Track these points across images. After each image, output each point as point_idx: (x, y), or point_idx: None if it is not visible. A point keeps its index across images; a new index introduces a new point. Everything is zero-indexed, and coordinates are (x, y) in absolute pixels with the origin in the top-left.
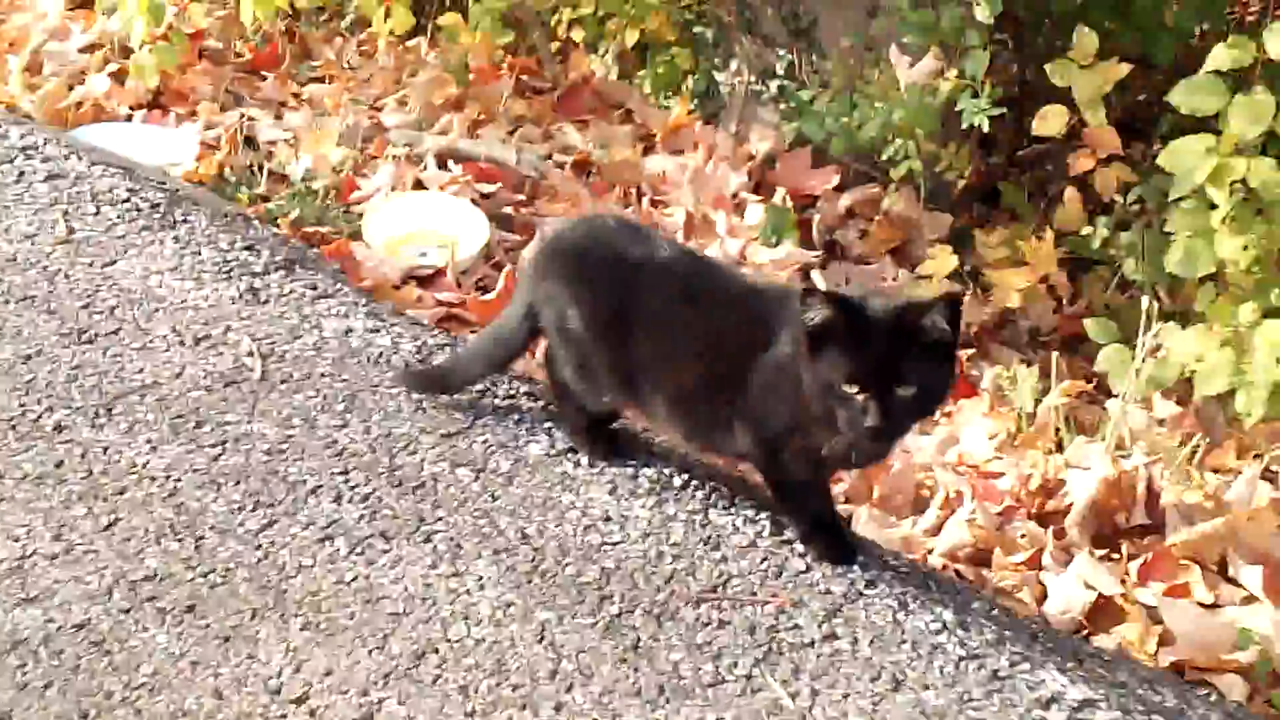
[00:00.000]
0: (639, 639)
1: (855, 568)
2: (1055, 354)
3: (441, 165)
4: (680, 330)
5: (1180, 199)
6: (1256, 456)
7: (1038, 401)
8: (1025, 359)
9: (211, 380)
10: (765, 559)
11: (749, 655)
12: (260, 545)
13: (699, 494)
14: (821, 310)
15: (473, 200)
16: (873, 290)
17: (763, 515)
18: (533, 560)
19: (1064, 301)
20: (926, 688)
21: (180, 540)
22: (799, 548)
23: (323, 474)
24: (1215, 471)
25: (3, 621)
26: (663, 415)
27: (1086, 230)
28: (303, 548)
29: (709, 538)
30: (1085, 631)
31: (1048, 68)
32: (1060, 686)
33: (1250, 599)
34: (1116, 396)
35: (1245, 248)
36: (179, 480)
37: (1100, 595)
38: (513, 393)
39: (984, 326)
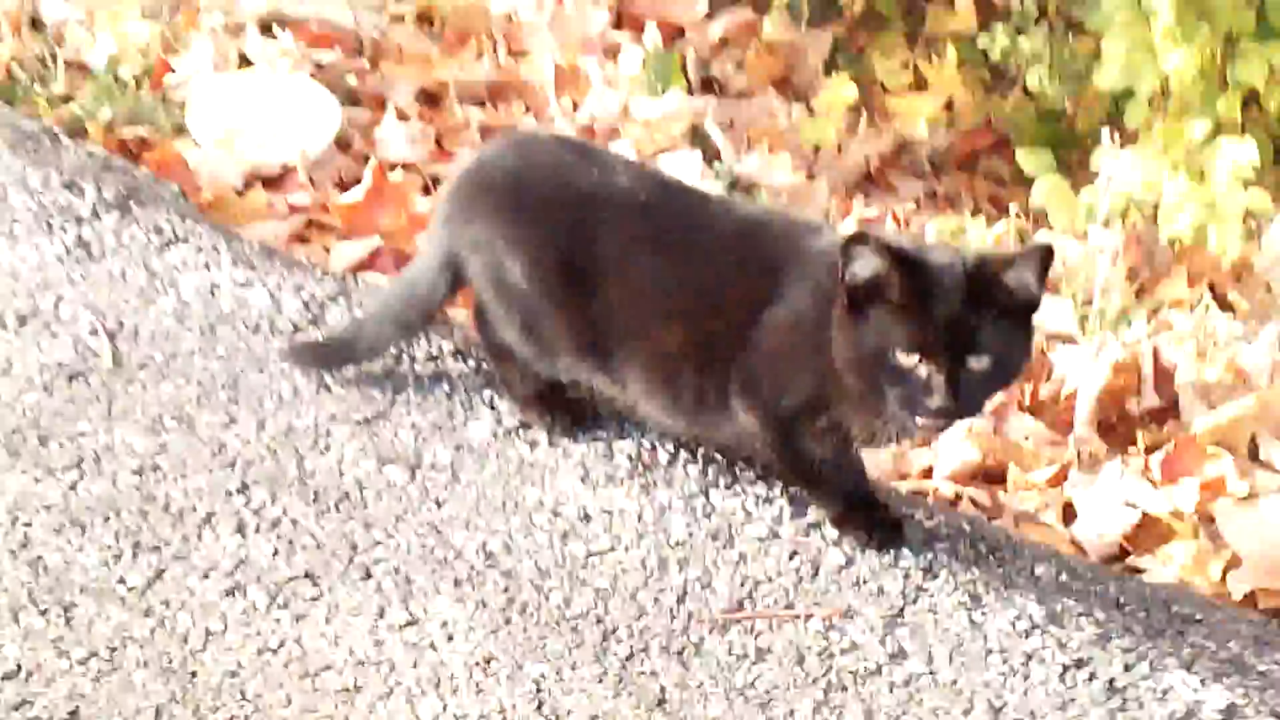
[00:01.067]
0: (663, 690)
1: (905, 551)
2: (1014, 208)
3: (265, 32)
4: (656, 278)
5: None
6: (1211, 287)
7: None
8: (930, 190)
9: (49, 375)
10: (794, 553)
11: (805, 697)
12: (150, 609)
13: (693, 470)
14: (871, 260)
15: (310, 74)
16: (931, 243)
17: (776, 490)
18: (506, 590)
19: (955, 117)
20: (1034, 715)
21: (44, 613)
22: (831, 533)
23: (215, 494)
24: (1173, 306)
25: None
26: (638, 387)
27: (982, 39)
28: (207, 606)
29: (718, 531)
30: (1128, 557)
31: None
32: (1192, 693)
33: None
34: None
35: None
36: (29, 524)
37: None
38: (435, 353)
39: (883, 157)
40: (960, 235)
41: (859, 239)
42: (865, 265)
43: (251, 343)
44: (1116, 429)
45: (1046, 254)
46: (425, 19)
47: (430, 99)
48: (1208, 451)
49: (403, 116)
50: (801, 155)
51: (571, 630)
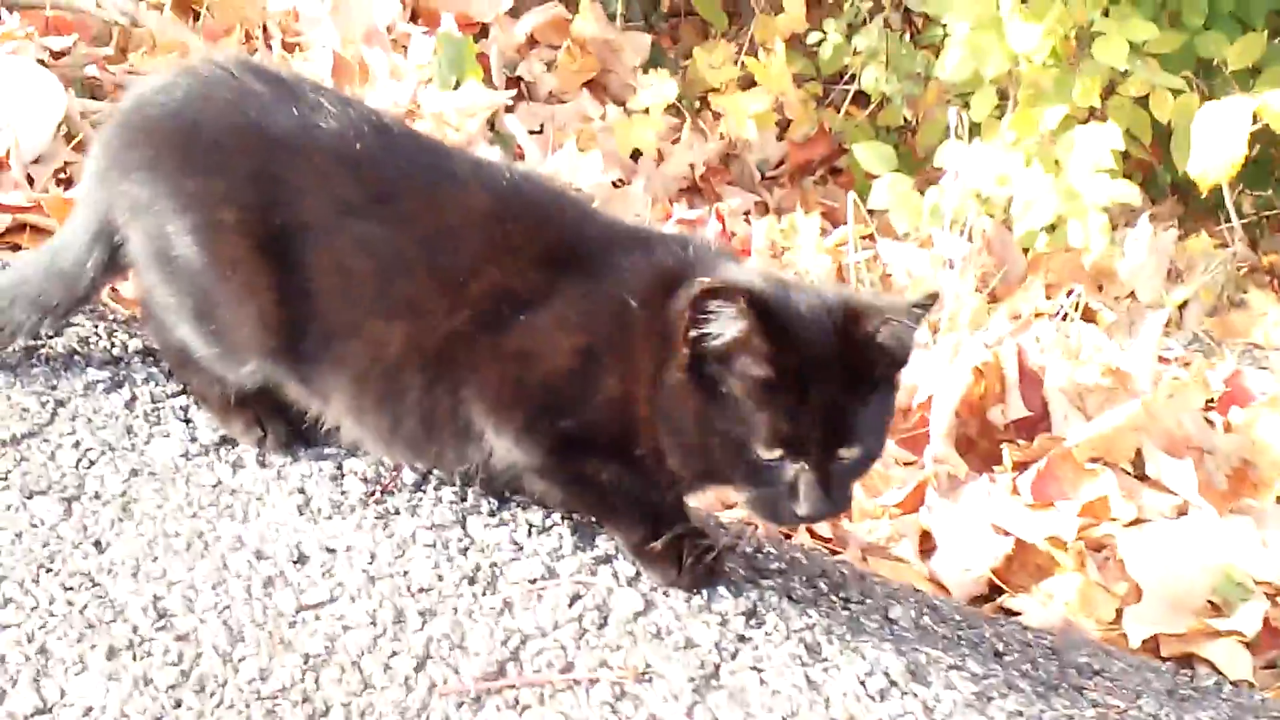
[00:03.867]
0: None
1: (723, 590)
2: (852, 195)
3: None
4: (374, 255)
5: None
6: (1069, 293)
7: None
8: (761, 200)
9: None
10: (575, 597)
11: None
12: None
13: (447, 494)
14: (734, 322)
15: (40, 61)
16: (784, 279)
17: (556, 516)
18: (179, 660)
19: (788, 126)
20: None
21: None
22: (628, 568)
23: None
24: (1036, 317)
25: None
26: (344, 402)
27: (813, 37)
28: None
29: (476, 572)
30: (1000, 596)
31: None
32: None
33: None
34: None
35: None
36: None
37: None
38: (117, 352)
39: (710, 165)
40: (792, 236)
41: (720, 293)
42: (726, 327)
43: None
44: (979, 444)
45: (930, 303)
46: (186, 7)
47: None
48: (1086, 468)
49: None
50: (619, 162)
51: (267, 713)
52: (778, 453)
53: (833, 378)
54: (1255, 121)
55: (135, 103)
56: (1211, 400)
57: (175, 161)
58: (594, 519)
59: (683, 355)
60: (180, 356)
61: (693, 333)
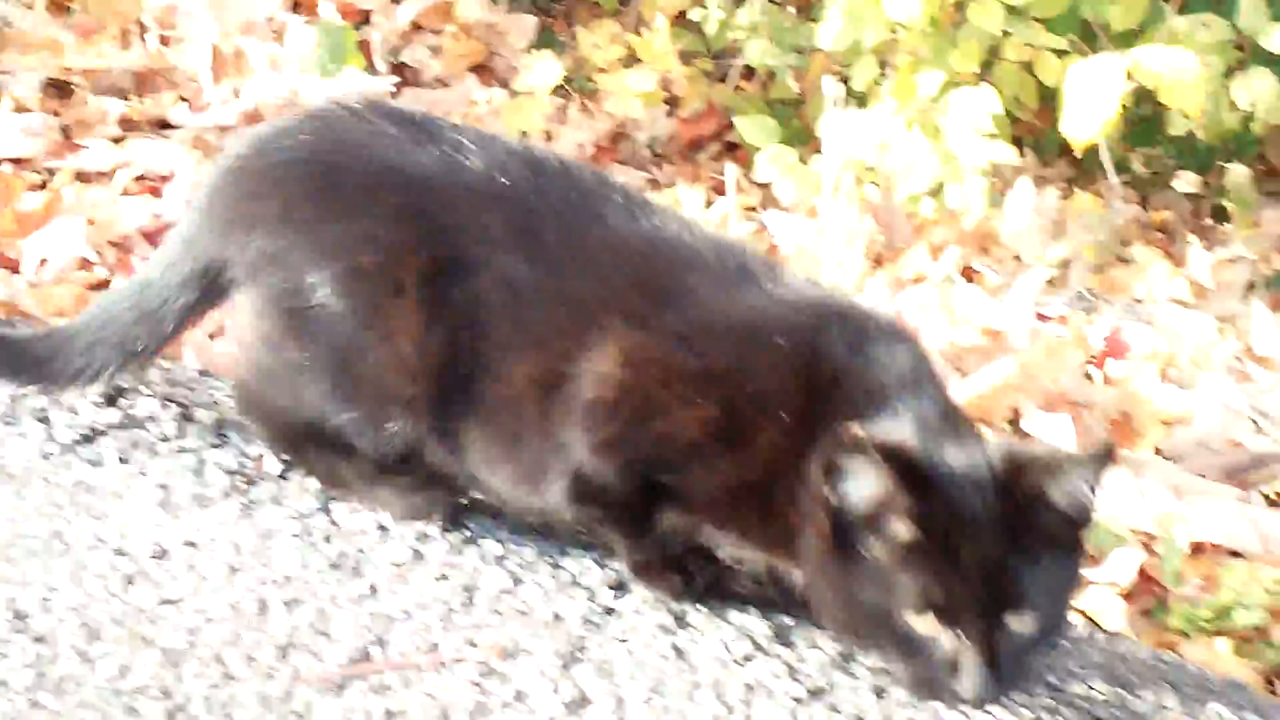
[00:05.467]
0: None
1: (589, 561)
2: (733, 167)
3: None
4: (513, 294)
5: None
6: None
7: None
8: (652, 178)
9: None
10: (442, 577)
11: None
12: None
13: (311, 481)
14: (871, 480)
15: None
16: (943, 415)
17: None
18: (35, 661)
19: (676, 103)
20: None
21: None
22: (493, 547)
23: None
24: (915, 282)
25: None
26: (478, 452)
27: (696, 12)
28: None
29: (341, 558)
30: None
31: None
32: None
33: None
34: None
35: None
36: None
37: None
38: None
39: (599, 145)
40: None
41: (853, 444)
42: (864, 487)
43: None
44: None
45: (1106, 455)
46: (58, 5)
47: (63, 91)
48: None
49: (23, 109)
50: None
51: (126, 710)
52: (931, 622)
53: (992, 536)
54: (1130, 79)
55: (254, 149)
56: (1093, 356)
57: (311, 209)
58: (613, 537)
59: (823, 522)
60: (305, 431)
61: (832, 500)
